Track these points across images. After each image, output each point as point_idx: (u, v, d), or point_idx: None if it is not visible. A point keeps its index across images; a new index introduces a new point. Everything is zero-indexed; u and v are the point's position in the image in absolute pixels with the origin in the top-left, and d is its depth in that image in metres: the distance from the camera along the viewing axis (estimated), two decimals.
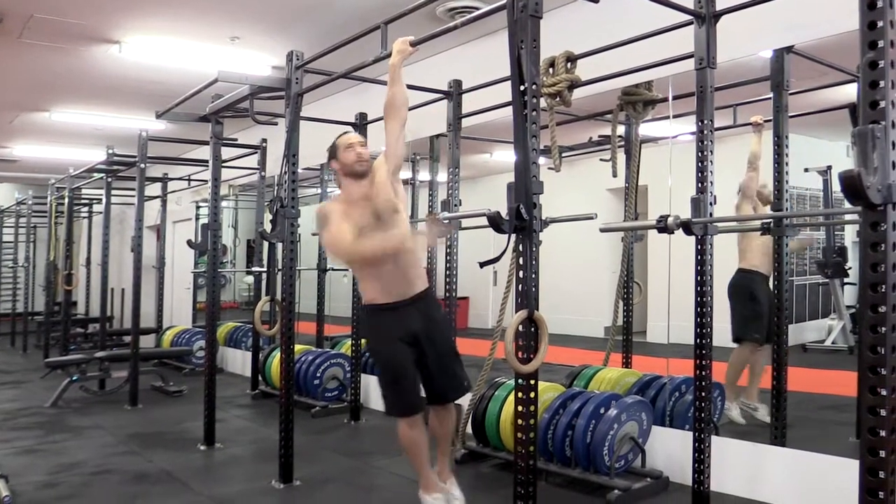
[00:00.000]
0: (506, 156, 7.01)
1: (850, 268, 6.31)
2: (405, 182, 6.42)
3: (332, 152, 3.29)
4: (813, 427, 4.38)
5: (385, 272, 3.08)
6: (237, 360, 8.01)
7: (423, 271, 3.26)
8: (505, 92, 2.99)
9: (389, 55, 3.23)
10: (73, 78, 6.40)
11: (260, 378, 6.58)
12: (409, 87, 3.32)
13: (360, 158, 3.20)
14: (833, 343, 6.36)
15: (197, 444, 4.72)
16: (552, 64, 3.73)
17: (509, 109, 2.58)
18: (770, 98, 3.92)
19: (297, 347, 4.29)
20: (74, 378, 6.25)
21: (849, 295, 6.51)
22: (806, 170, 5.75)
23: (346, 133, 3.45)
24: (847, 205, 1.89)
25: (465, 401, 4.49)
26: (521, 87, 2.51)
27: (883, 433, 1.74)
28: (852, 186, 1.72)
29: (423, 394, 3.24)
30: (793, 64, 3.83)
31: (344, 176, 3.24)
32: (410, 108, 3.34)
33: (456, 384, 3.23)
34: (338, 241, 3.03)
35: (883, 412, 1.74)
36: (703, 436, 3.29)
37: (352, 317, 5.55)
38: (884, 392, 1.74)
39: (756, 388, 4.52)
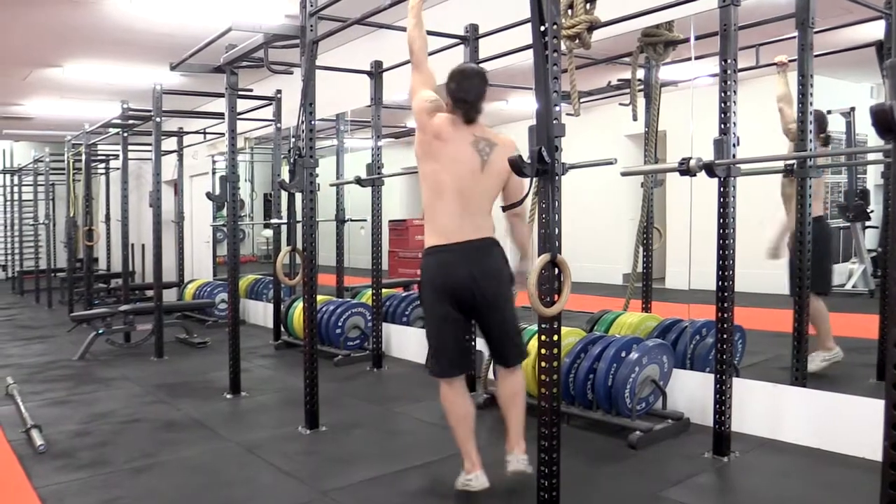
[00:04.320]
0: (522, 103, 6.91)
1: (871, 211, 6.24)
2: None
3: None
4: (834, 369, 4.38)
5: None
6: (259, 312, 8.11)
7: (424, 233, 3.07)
8: (523, 36, 2.95)
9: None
10: (85, 31, 6.35)
11: (282, 329, 6.67)
12: (426, 32, 3.26)
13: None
14: (854, 287, 6.34)
15: (223, 393, 4.81)
16: (571, 5, 3.64)
17: (528, 53, 2.55)
18: (793, 38, 3.82)
19: (319, 298, 4.33)
20: (100, 332, 6.36)
21: (870, 238, 6.45)
22: (829, 112, 5.64)
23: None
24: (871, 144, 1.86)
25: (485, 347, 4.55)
26: (542, 28, 2.47)
27: None
28: (883, 120, 1.69)
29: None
30: (818, 1, 3.73)
31: None
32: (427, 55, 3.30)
33: None
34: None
35: None
36: (724, 377, 3.31)
37: (371, 268, 5.58)
38: None
39: None
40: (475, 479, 2.94)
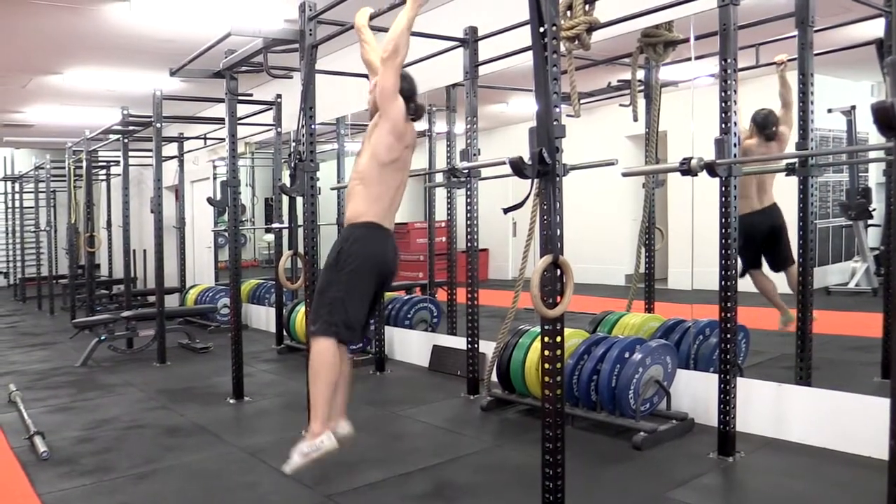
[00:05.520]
0: (523, 105, 6.93)
1: (874, 209, 6.23)
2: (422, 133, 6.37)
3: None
4: (837, 368, 4.38)
5: None
6: (261, 317, 8.11)
7: (356, 206, 3.19)
8: (522, 37, 2.95)
9: (404, 2, 3.17)
10: (85, 38, 6.35)
11: (284, 333, 6.67)
12: (424, 35, 3.27)
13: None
14: (857, 285, 6.33)
15: (226, 398, 4.81)
16: (570, 6, 3.64)
17: (528, 55, 2.54)
18: (792, 37, 3.83)
19: None
20: (102, 338, 6.36)
21: (872, 237, 6.44)
22: (829, 110, 5.64)
23: None
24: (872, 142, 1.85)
25: (489, 349, 4.54)
26: (541, 29, 2.46)
27: None
28: (885, 117, 1.68)
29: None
30: (818, 0, 3.73)
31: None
32: (426, 58, 3.30)
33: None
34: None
35: None
36: (728, 377, 3.30)
37: None
38: None
39: None
40: (328, 439, 3.04)
